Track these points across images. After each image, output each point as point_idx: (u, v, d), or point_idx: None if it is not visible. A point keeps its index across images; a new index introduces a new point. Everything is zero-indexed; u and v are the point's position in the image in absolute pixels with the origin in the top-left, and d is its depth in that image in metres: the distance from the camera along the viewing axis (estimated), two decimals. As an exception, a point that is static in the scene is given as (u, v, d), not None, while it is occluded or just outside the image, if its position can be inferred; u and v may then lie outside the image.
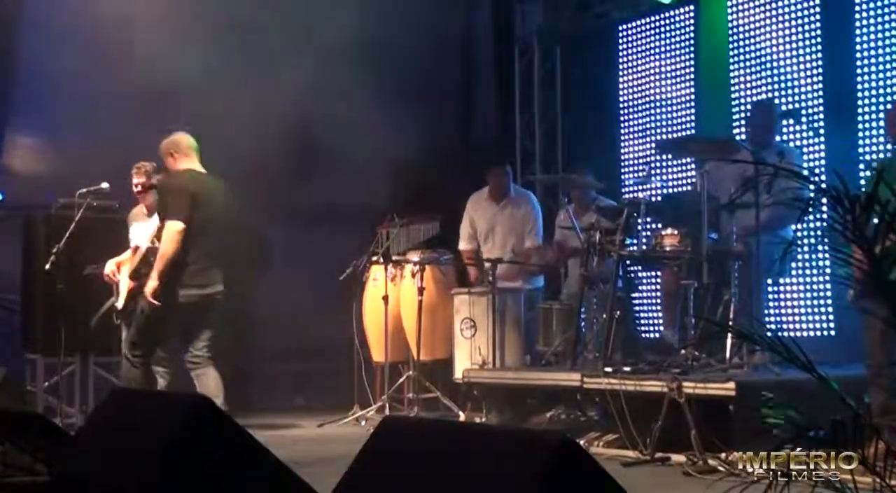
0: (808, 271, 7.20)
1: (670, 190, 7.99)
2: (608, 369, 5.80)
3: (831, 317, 7.08)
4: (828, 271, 6.97)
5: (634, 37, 8.79)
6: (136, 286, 6.50)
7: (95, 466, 3.57)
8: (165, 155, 6.15)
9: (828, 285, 7.06)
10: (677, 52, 8.39)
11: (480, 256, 7.92)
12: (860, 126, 6.93)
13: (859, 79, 6.95)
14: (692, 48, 8.28)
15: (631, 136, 8.79)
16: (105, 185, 7.11)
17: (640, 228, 6.36)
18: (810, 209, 2.53)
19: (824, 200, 2.43)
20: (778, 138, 6.72)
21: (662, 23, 8.55)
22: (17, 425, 4.11)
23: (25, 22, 7.95)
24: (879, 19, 6.90)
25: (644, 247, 6.37)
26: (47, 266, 6.77)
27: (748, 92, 7.72)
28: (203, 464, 3.23)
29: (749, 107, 7.39)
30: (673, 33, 8.46)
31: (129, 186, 6.99)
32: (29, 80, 8.00)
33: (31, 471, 3.78)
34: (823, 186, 2.44)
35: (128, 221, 7.05)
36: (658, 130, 8.48)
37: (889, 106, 6.31)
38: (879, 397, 4.82)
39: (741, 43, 7.82)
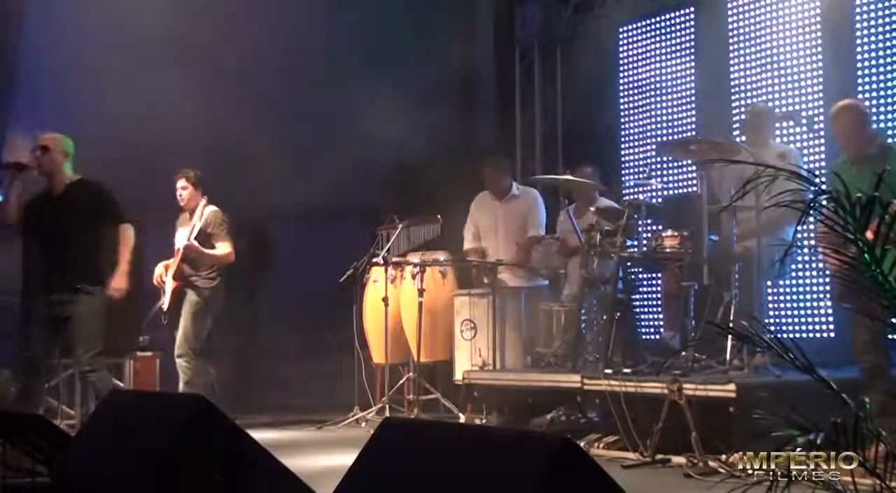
0: (806, 273, 7.19)
1: (671, 192, 7.98)
2: (608, 371, 5.79)
3: (830, 318, 7.08)
4: (827, 271, 6.96)
5: (635, 38, 8.79)
6: (179, 285, 6.86)
7: (96, 467, 3.57)
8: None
9: (827, 286, 7.05)
10: (677, 54, 8.39)
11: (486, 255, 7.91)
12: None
13: (859, 80, 6.95)
14: (692, 50, 8.28)
15: (631, 137, 8.79)
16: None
17: (640, 229, 6.36)
18: (811, 211, 2.53)
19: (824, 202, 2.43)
20: (777, 140, 6.72)
21: (663, 24, 8.54)
22: (17, 426, 4.12)
23: (27, 22, 7.95)
24: (880, 20, 6.90)
25: (645, 249, 6.36)
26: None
27: (748, 94, 7.72)
28: (203, 466, 3.22)
29: (750, 104, 7.39)
30: (673, 35, 8.45)
31: (129, 187, 6.99)
32: (29, 81, 8.00)
33: (31, 472, 3.78)
34: (823, 187, 2.44)
35: (176, 226, 7.23)
36: (658, 132, 8.48)
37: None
38: (876, 398, 4.82)
39: (741, 45, 7.82)
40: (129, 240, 6.20)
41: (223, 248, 6.98)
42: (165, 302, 6.91)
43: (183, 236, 6.94)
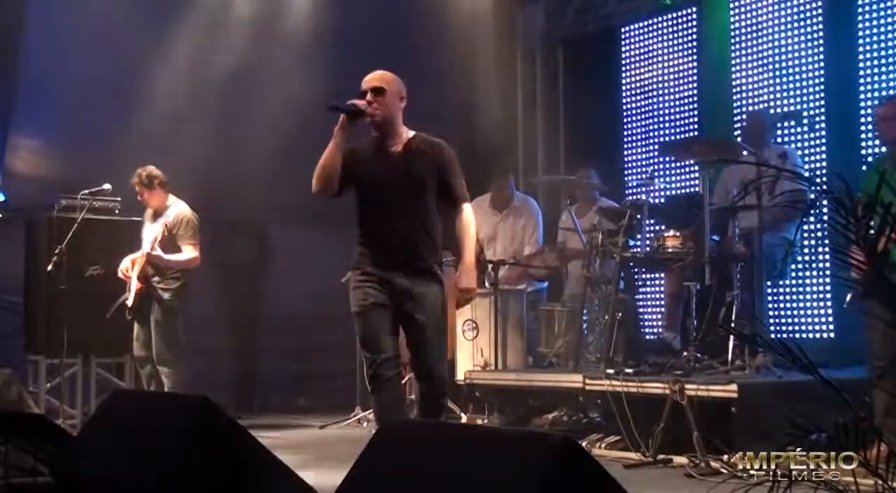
0: (808, 273, 7.19)
1: (673, 192, 7.98)
2: (610, 371, 5.79)
3: (831, 319, 7.07)
4: (828, 272, 6.96)
5: (637, 39, 8.79)
6: (143, 288, 6.64)
7: (97, 467, 3.57)
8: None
9: (828, 287, 7.05)
10: (680, 54, 8.38)
11: (483, 256, 7.89)
12: (862, 128, 6.91)
13: (861, 81, 6.94)
14: (695, 50, 8.28)
15: (634, 138, 8.79)
16: (107, 186, 7.11)
17: (642, 229, 6.36)
18: (812, 211, 2.53)
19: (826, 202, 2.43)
20: (778, 141, 6.72)
21: (665, 25, 8.54)
22: (18, 426, 4.12)
23: (29, 24, 7.96)
24: (881, 20, 6.89)
25: (647, 249, 6.36)
26: (49, 267, 6.78)
27: (750, 94, 7.72)
28: (204, 465, 3.22)
29: (749, 110, 7.40)
30: (675, 35, 8.45)
31: (130, 186, 6.99)
32: (31, 82, 8.00)
33: (32, 472, 3.78)
34: (825, 187, 2.44)
35: (143, 221, 7.08)
36: (661, 132, 8.48)
37: (877, 103, 6.28)
38: (882, 399, 4.81)
39: (743, 45, 7.82)
40: (473, 225, 4.83)
41: (188, 251, 6.69)
42: (130, 298, 6.70)
43: (150, 233, 6.72)
